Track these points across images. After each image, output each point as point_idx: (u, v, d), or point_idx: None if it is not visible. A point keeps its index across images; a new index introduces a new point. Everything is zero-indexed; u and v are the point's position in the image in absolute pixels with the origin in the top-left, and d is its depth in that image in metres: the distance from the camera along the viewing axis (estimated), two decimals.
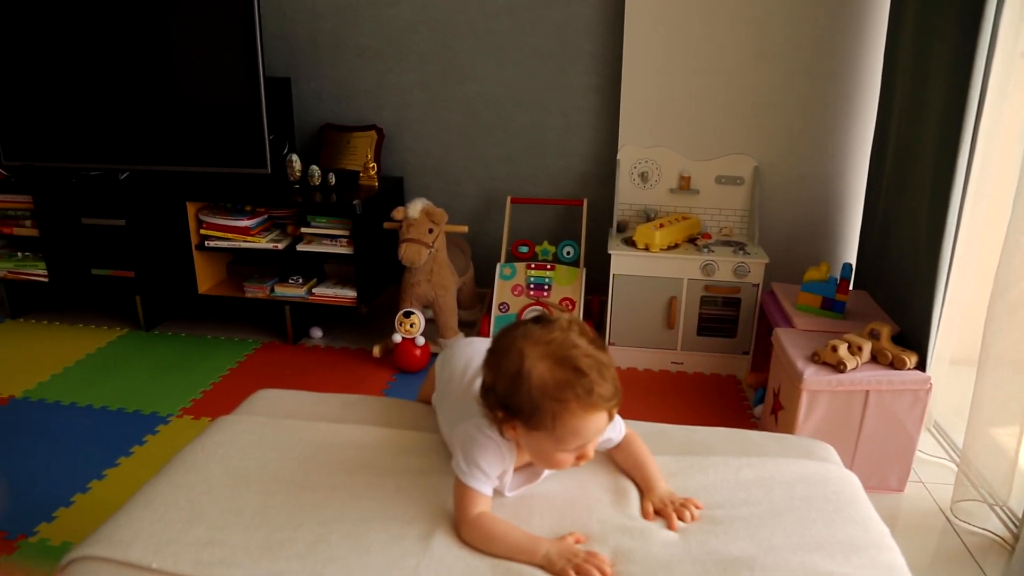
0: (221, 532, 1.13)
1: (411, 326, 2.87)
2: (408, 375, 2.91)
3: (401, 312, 2.89)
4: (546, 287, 3.06)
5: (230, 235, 2.98)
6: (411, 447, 1.39)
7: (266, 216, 3.06)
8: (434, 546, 1.11)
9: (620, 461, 1.37)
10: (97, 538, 1.12)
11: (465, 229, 2.98)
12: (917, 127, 2.31)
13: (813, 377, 2.12)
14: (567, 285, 3.05)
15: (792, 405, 2.21)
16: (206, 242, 3.00)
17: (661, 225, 2.88)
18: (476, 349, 1.53)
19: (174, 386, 2.76)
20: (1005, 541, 2.00)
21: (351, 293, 3.02)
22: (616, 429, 1.35)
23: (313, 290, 3.05)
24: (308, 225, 2.99)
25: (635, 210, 3.14)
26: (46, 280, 3.15)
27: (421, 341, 2.89)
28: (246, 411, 1.54)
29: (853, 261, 2.90)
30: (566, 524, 1.20)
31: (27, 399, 2.63)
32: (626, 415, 2.70)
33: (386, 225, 2.94)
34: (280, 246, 2.99)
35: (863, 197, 2.86)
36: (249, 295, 3.07)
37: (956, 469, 2.21)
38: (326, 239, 2.98)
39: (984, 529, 2.04)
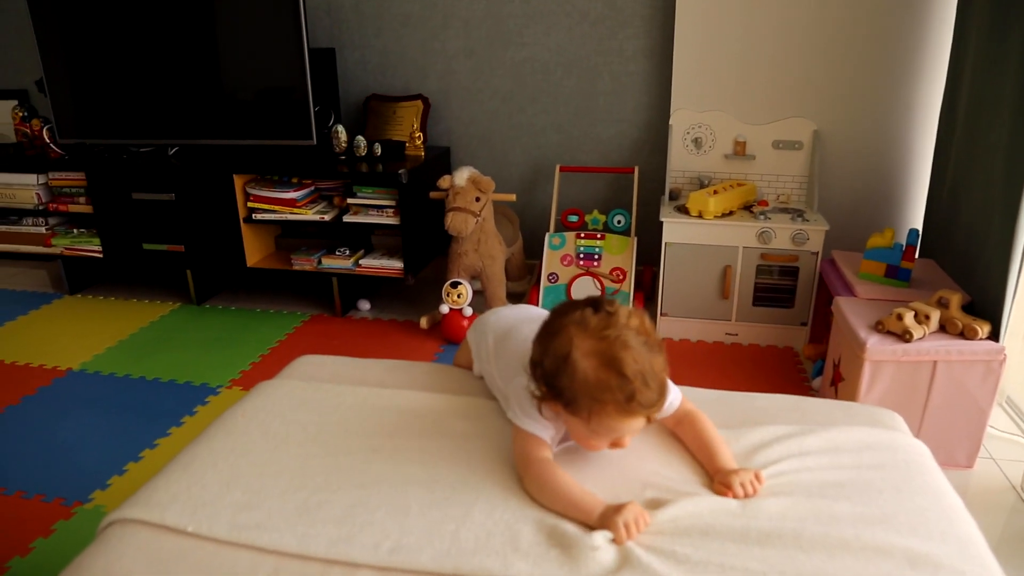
0: (258, 495, 1.11)
1: (458, 296, 2.83)
2: (456, 345, 2.88)
3: (448, 283, 2.85)
4: (596, 257, 2.98)
5: (277, 207, 2.98)
6: (455, 411, 1.35)
7: (312, 188, 3.05)
8: (475, 512, 1.07)
9: (686, 440, 1.29)
10: (135, 501, 1.11)
11: (513, 197, 2.92)
12: (994, 82, 2.15)
13: (877, 346, 2.01)
14: (618, 255, 2.97)
15: (853, 376, 2.10)
16: (253, 215, 3.01)
17: (715, 192, 2.77)
18: (523, 311, 1.55)
19: (224, 358, 2.79)
20: None
21: (398, 264, 2.99)
22: (669, 398, 1.25)
23: (360, 262, 3.03)
24: (354, 196, 2.97)
25: (688, 177, 3.03)
26: (101, 256, 3.21)
27: (469, 312, 2.85)
28: (287, 375, 1.53)
29: (919, 227, 2.74)
30: (615, 483, 1.15)
31: (83, 371, 2.69)
32: (679, 386, 2.61)
33: (432, 194, 2.90)
34: (327, 217, 2.98)
35: (930, 159, 2.70)
36: (296, 267, 3.08)
37: None
38: (372, 210, 2.96)
39: None
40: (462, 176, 2.78)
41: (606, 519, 1.05)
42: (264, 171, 3.02)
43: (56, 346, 2.90)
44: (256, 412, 1.34)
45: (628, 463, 1.21)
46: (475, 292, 2.94)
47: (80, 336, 2.99)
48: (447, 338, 2.89)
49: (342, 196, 3.04)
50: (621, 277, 2.95)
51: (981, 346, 1.99)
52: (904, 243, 2.34)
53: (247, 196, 3.01)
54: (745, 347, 2.85)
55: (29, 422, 2.37)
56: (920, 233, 2.37)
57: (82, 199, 3.15)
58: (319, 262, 3.06)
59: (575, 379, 1.08)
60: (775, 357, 2.78)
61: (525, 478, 1.15)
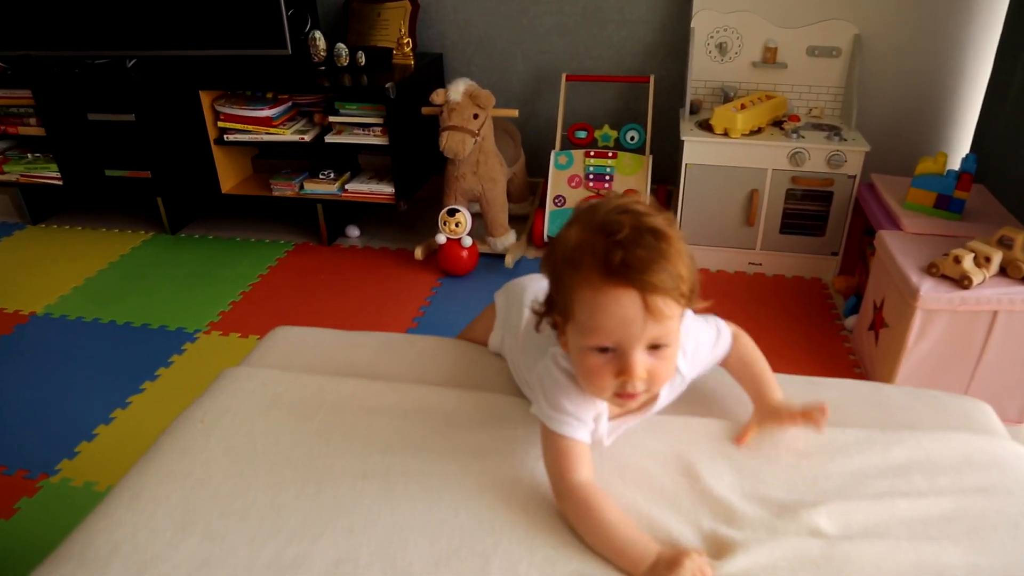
0: (220, 545, 0.90)
1: (456, 225, 2.57)
2: (455, 278, 2.65)
3: (445, 210, 2.58)
4: (607, 177, 2.70)
5: (251, 127, 2.66)
6: (465, 414, 1.13)
7: (290, 104, 2.71)
8: (493, 569, 0.87)
9: (731, 369, 1.16)
10: (69, 551, 0.90)
11: (515, 113, 2.60)
12: None
13: (931, 293, 1.78)
14: (631, 175, 2.69)
15: (901, 324, 1.88)
16: (225, 136, 2.69)
17: (742, 106, 2.46)
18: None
19: (201, 297, 2.56)
20: None
21: (388, 189, 2.71)
22: (721, 339, 1.12)
23: (346, 186, 2.74)
24: (336, 113, 2.64)
25: (711, 88, 2.70)
26: (60, 183, 2.91)
27: (468, 242, 2.60)
28: (258, 360, 1.30)
29: (967, 148, 2.46)
30: (667, 509, 0.96)
31: (48, 316, 2.46)
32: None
33: (425, 110, 2.58)
34: (307, 138, 2.67)
35: (989, 70, 2.38)
36: (277, 194, 2.79)
37: None
38: (357, 128, 2.64)
39: None
40: (457, 90, 2.46)
41: (658, 574, 0.85)
42: (233, 86, 2.67)
43: (18, 286, 2.65)
44: (220, 417, 1.12)
45: (683, 479, 1.00)
46: (474, 215, 2.68)
47: (45, 273, 2.74)
48: (444, 270, 2.65)
49: (323, 113, 2.71)
50: None
51: None
52: (959, 170, 2.07)
53: (216, 115, 2.68)
54: (769, 278, 2.62)
55: None
56: (976, 157, 2.09)
57: (32, 120, 2.81)
58: (301, 187, 2.77)
59: (557, 256, 0.90)
60: (802, 289, 2.56)
61: (562, 504, 0.95)
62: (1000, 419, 1.88)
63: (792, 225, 2.52)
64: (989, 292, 1.77)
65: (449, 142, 2.44)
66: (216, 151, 2.73)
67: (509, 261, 2.68)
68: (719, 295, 2.53)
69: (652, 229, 0.86)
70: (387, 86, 2.49)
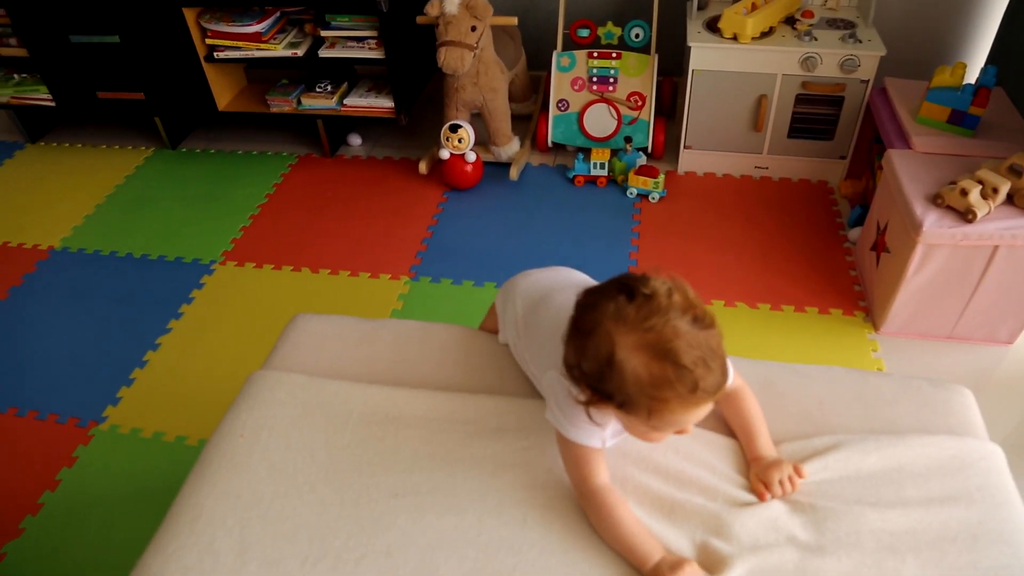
0: (277, 568, 1.03)
1: (459, 141, 2.54)
2: (460, 192, 2.65)
3: (447, 126, 2.54)
4: (611, 80, 2.62)
5: (240, 43, 2.55)
6: (488, 422, 1.22)
7: (278, 14, 2.58)
8: None
9: (726, 416, 1.21)
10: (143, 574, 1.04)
11: (514, 21, 2.47)
12: None
13: (934, 229, 1.80)
14: (636, 76, 2.60)
15: (902, 254, 1.92)
16: (215, 53, 2.59)
17: (753, 5, 2.33)
18: (558, 275, 1.36)
19: (212, 222, 2.59)
20: None
21: (387, 103, 2.64)
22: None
23: (345, 100, 2.67)
24: (328, 26, 2.52)
25: None
26: (53, 105, 2.83)
27: (472, 157, 2.58)
28: (282, 359, 1.37)
29: (989, 49, 2.35)
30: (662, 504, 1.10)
31: (66, 250, 2.51)
32: (705, 227, 2.41)
33: (420, 20, 2.46)
34: (299, 52, 2.56)
35: None
36: (275, 110, 2.72)
37: None
38: (351, 41, 2.53)
39: None
40: (453, 1, 2.33)
41: (661, 573, 0.99)
42: (216, 2, 2.52)
43: (32, 215, 2.68)
44: (258, 431, 1.22)
45: (676, 489, 1.11)
46: (475, 115, 2.62)
47: (54, 200, 2.75)
48: (449, 184, 2.65)
49: (314, 23, 2.58)
50: (640, 103, 2.62)
51: None
52: (977, 84, 2.00)
53: (204, 32, 2.56)
54: (776, 182, 2.61)
55: (23, 321, 2.26)
56: (996, 70, 2.01)
57: (12, 40, 2.69)
58: (298, 102, 2.70)
59: (626, 380, 0.93)
60: (808, 193, 2.56)
61: (585, 504, 1.09)
62: (990, 339, 1.99)
63: (800, 129, 2.48)
64: (992, 227, 1.79)
65: (447, 58, 2.35)
66: (207, 68, 2.63)
67: (514, 173, 2.66)
68: (725, 201, 2.55)
69: (710, 346, 0.93)
70: None
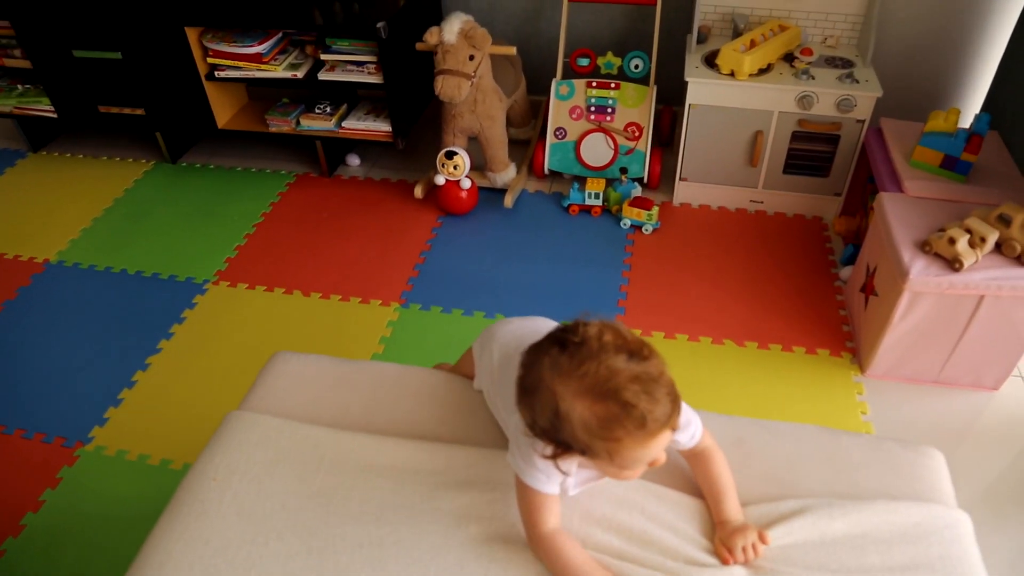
0: None
1: (454, 168, 2.55)
2: (455, 218, 2.66)
3: (443, 152, 2.55)
4: (610, 110, 2.62)
5: (241, 63, 2.57)
6: (446, 473, 1.23)
7: (280, 35, 2.60)
8: None
9: (696, 477, 1.21)
10: None
11: (513, 51, 2.48)
12: None
13: (921, 277, 1.80)
14: (634, 108, 2.61)
15: (889, 299, 1.91)
16: (216, 72, 2.61)
17: (752, 42, 2.33)
18: (535, 325, 1.35)
19: (207, 239, 2.60)
20: None
21: (385, 127, 2.66)
22: (690, 430, 1.15)
23: (343, 123, 2.69)
24: (328, 49, 2.54)
25: (720, 13, 2.54)
26: (55, 116, 2.86)
27: (467, 184, 2.58)
28: (260, 399, 1.39)
29: (986, 89, 2.34)
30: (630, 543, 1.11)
31: (62, 263, 2.53)
32: (697, 259, 2.39)
33: (419, 46, 2.47)
34: (299, 74, 2.58)
35: (1016, 17, 2.21)
36: (274, 130, 2.74)
37: None
38: (351, 65, 2.54)
39: None
40: (452, 30, 2.34)
41: None
42: (218, 23, 2.53)
43: (31, 225, 2.70)
44: (231, 475, 1.23)
45: (634, 544, 1.12)
46: (471, 139, 2.62)
47: (54, 210, 2.77)
48: (444, 209, 2.65)
49: (315, 45, 2.60)
50: (637, 134, 2.62)
51: None
52: (970, 130, 2.00)
53: (205, 51, 2.58)
54: (770, 216, 2.61)
55: (15, 335, 2.27)
56: (990, 118, 2.01)
57: (17, 52, 2.72)
58: (297, 123, 2.72)
59: (576, 428, 0.95)
60: (802, 228, 2.56)
61: (535, 549, 1.10)
62: (976, 385, 1.98)
63: (796, 166, 2.48)
64: (978, 276, 1.79)
65: (444, 87, 2.36)
66: (208, 87, 2.65)
67: (508, 201, 2.67)
68: (720, 234, 2.55)
69: (651, 376, 0.94)
70: (379, 26, 2.37)
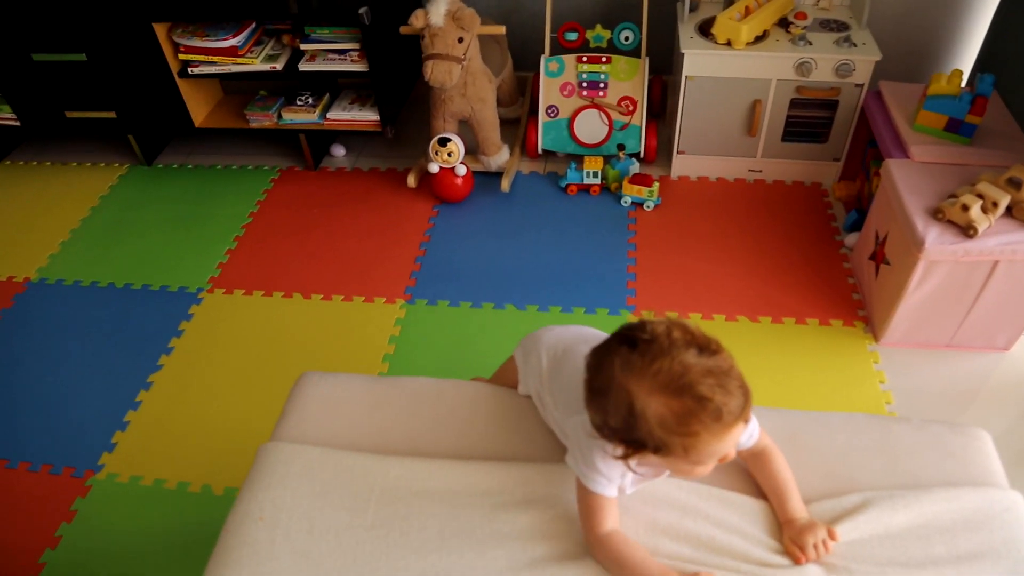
0: None
1: (449, 155, 2.47)
2: (451, 205, 2.60)
3: (435, 140, 2.47)
4: (602, 85, 2.56)
5: (215, 58, 2.44)
6: (503, 494, 1.19)
7: (254, 26, 2.47)
8: None
9: (756, 478, 1.21)
10: None
11: (502, 30, 2.39)
12: None
13: (936, 246, 1.80)
14: (626, 81, 2.55)
15: (903, 268, 1.91)
16: (190, 69, 2.48)
17: (747, 10, 2.29)
18: (581, 332, 1.35)
19: (195, 245, 2.50)
20: None
21: (372, 116, 2.56)
22: (746, 432, 1.15)
23: (328, 114, 2.59)
24: (307, 38, 2.42)
25: None
26: (18, 124, 2.70)
27: (462, 171, 2.52)
28: (293, 426, 1.33)
29: (980, 46, 2.33)
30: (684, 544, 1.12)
31: (44, 281, 2.42)
32: (702, 234, 2.35)
33: (404, 30, 2.37)
34: (278, 66, 2.46)
35: None
36: (255, 125, 2.63)
37: None
38: (332, 54, 2.44)
39: None
40: (439, 12, 2.24)
41: None
42: (187, 16, 2.40)
43: (3, 241, 2.57)
44: (277, 513, 1.18)
45: (690, 544, 1.11)
46: (462, 122, 2.55)
47: (27, 224, 2.64)
48: (440, 197, 2.59)
49: (293, 34, 2.48)
50: (631, 108, 2.57)
51: None
52: (975, 92, 1.99)
53: (176, 47, 2.45)
54: (769, 184, 2.59)
55: (3, 362, 2.17)
56: (994, 79, 2.00)
57: None
58: (279, 116, 2.61)
59: (652, 425, 0.95)
60: (802, 195, 2.55)
61: (593, 551, 1.11)
62: (988, 346, 2.00)
63: (795, 133, 2.45)
64: (992, 242, 1.79)
65: (435, 73, 2.27)
66: (182, 84, 2.53)
67: (505, 185, 2.61)
68: (719, 204, 2.53)
69: (723, 370, 0.94)
70: (361, 11, 2.26)
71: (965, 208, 1.80)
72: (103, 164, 2.89)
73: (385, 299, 2.28)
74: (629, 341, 0.97)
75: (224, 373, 2.10)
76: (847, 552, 1.12)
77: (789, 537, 1.12)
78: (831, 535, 1.11)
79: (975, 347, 2.03)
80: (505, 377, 1.46)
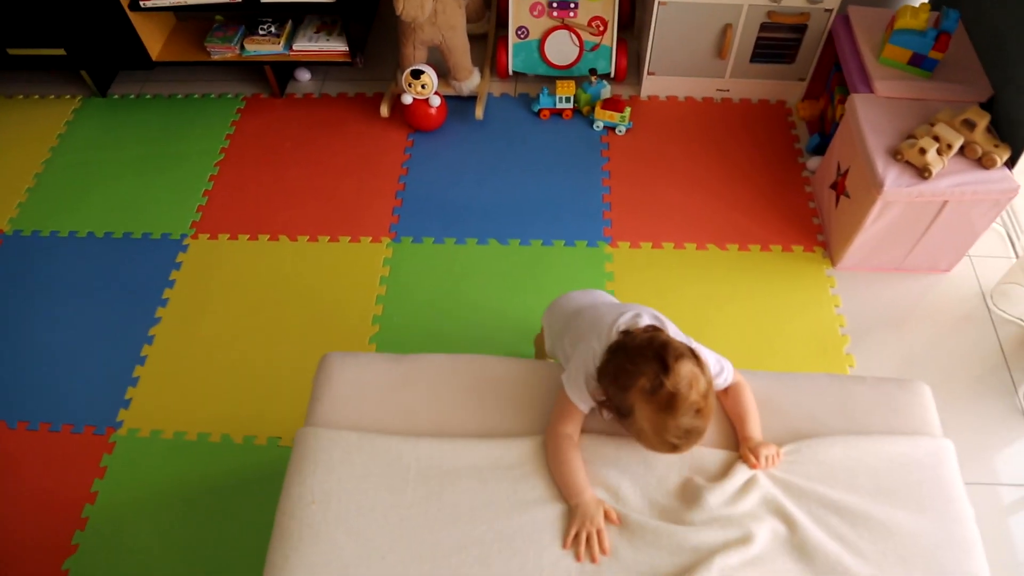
0: None
1: (422, 87, 2.45)
2: (426, 134, 2.60)
3: (408, 72, 2.43)
4: (572, 5, 2.53)
5: None
6: (527, 466, 1.36)
7: None
8: None
9: (726, 408, 1.43)
10: None
11: None
12: None
13: (894, 188, 1.94)
14: (597, 1, 2.52)
15: (862, 204, 2.06)
16: (141, 2, 2.34)
17: None
18: (595, 295, 1.62)
19: (170, 186, 2.48)
20: None
21: (340, 46, 2.49)
22: (723, 376, 1.38)
23: (293, 45, 2.50)
24: None
25: None
26: None
27: (436, 101, 2.50)
28: (326, 412, 1.45)
29: None
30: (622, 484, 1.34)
31: (19, 233, 2.39)
32: (672, 158, 2.49)
33: None
34: None
35: None
36: (217, 58, 2.53)
37: (1015, 260, 2.20)
38: None
39: (1019, 319, 2.13)
40: None
41: (576, 510, 1.28)
42: None
43: None
44: (327, 497, 1.33)
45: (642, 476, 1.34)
46: (432, 47, 2.50)
47: None
48: (413, 126, 2.58)
49: None
50: (602, 28, 2.56)
51: (995, 183, 1.94)
52: (939, 28, 2.06)
53: None
54: (736, 103, 2.66)
55: None
56: (959, 15, 2.06)
57: None
58: (241, 48, 2.51)
59: (633, 426, 1.26)
60: (766, 114, 2.63)
61: (548, 443, 1.36)
62: (932, 268, 2.20)
63: (763, 54, 2.50)
64: (943, 184, 1.94)
65: (407, 8, 2.22)
66: (134, 18, 2.39)
67: (479, 113, 2.61)
68: (686, 123, 2.61)
69: (697, 430, 1.21)
70: None
71: (923, 151, 1.93)
72: (53, 96, 2.76)
73: (371, 238, 2.34)
74: (663, 365, 1.19)
75: (223, 323, 2.17)
76: (786, 467, 1.35)
77: (747, 449, 1.34)
78: (778, 454, 1.34)
79: (921, 270, 2.24)
80: (542, 343, 1.73)
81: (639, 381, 1.20)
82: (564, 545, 1.27)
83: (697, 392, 1.19)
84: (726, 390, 1.42)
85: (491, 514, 1.32)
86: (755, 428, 1.38)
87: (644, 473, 1.34)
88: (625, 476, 1.34)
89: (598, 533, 1.26)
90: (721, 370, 1.38)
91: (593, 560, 1.25)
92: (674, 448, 1.22)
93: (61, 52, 2.48)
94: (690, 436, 1.21)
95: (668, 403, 1.18)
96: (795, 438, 1.41)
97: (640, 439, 1.26)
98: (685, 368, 1.20)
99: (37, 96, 2.76)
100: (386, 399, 1.48)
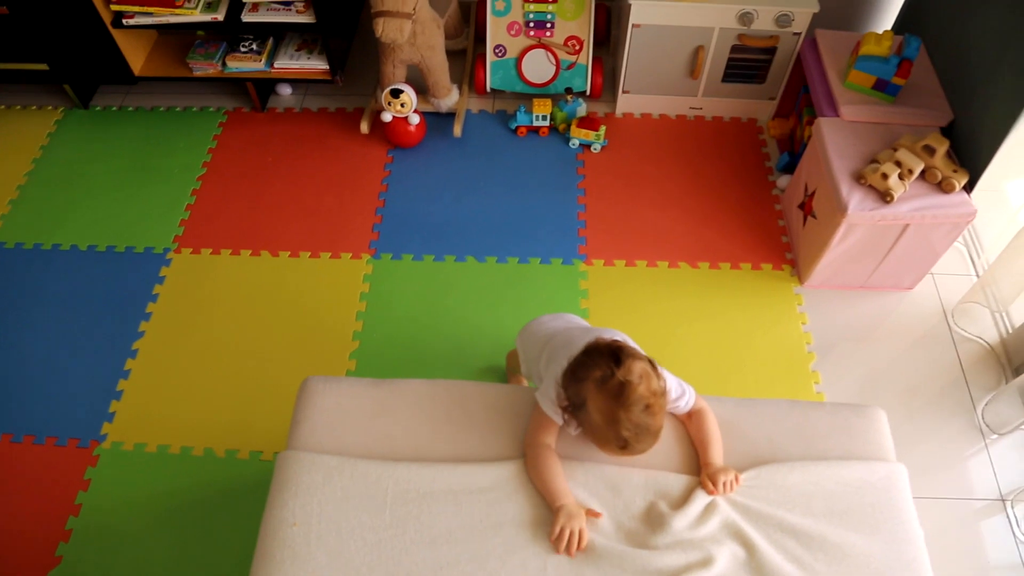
0: None
1: (401, 106, 2.49)
2: (405, 151, 2.65)
3: (388, 91, 2.48)
4: (549, 24, 2.58)
5: (151, 8, 2.33)
6: (500, 489, 1.42)
7: None
8: None
9: (690, 433, 1.49)
10: None
11: None
12: None
13: (857, 211, 2.02)
14: (573, 20, 2.57)
15: (827, 225, 2.14)
16: (124, 20, 2.36)
17: None
18: (568, 319, 1.69)
19: (153, 200, 2.51)
20: (993, 348, 2.19)
21: (321, 64, 2.53)
22: (684, 400, 1.45)
23: (275, 63, 2.53)
24: None
25: None
26: None
27: (416, 120, 2.55)
28: (307, 435, 1.50)
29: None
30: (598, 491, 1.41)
31: (2, 246, 2.41)
32: (646, 176, 2.56)
33: None
34: (219, 16, 2.37)
35: None
36: (199, 74, 2.56)
37: (975, 280, 2.28)
38: (276, 5, 2.36)
39: (979, 337, 2.22)
40: None
41: (559, 511, 1.34)
42: None
43: None
44: (308, 519, 1.38)
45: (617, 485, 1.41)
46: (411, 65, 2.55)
47: None
48: (393, 142, 2.63)
49: None
50: (577, 47, 2.61)
51: (954, 207, 2.01)
52: (901, 56, 2.13)
53: None
54: (708, 121, 2.73)
55: None
56: (920, 43, 2.14)
57: None
58: (223, 64, 2.54)
59: (586, 421, 1.33)
60: (738, 131, 2.70)
61: (527, 454, 1.43)
62: (896, 286, 2.27)
63: (734, 75, 2.57)
64: (904, 209, 2.02)
65: (386, 31, 2.25)
66: (117, 35, 2.42)
67: (458, 131, 2.65)
68: (660, 140, 2.68)
69: (649, 429, 1.28)
70: None
71: (885, 176, 2.01)
72: (34, 108, 2.77)
73: (351, 254, 2.39)
74: (616, 359, 1.27)
75: (207, 337, 2.21)
76: (746, 492, 1.41)
77: (707, 475, 1.40)
78: (737, 479, 1.40)
79: (885, 287, 2.32)
80: (514, 360, 1.82)
81: (593, 373, 1.28)
82: (550, 538, 1.34)
83: (647, 388, 1.26)
84: (690, 414, 1.48)
85: (466, 535, 1.38)
86: (716, 454, 1.43)
87: (611, 498, 1.40)
88: (593, 499, 1.40)
89: (580, 532, 1.33)
90: (683, 393, 1.44)
91: (570, 554, 1.33)
92: (625, 444, 1.27)
93: (44, 67, 2.49)
94: (640, 433, 1.26)
95: (618, 392, 1.25)
96: (755, 462, 1.48)
97: (594, 436, 1.32)
98: (637, 365, 1.28)
99: (19, 107, 2.78)
100: (366, 423, 1.53)
